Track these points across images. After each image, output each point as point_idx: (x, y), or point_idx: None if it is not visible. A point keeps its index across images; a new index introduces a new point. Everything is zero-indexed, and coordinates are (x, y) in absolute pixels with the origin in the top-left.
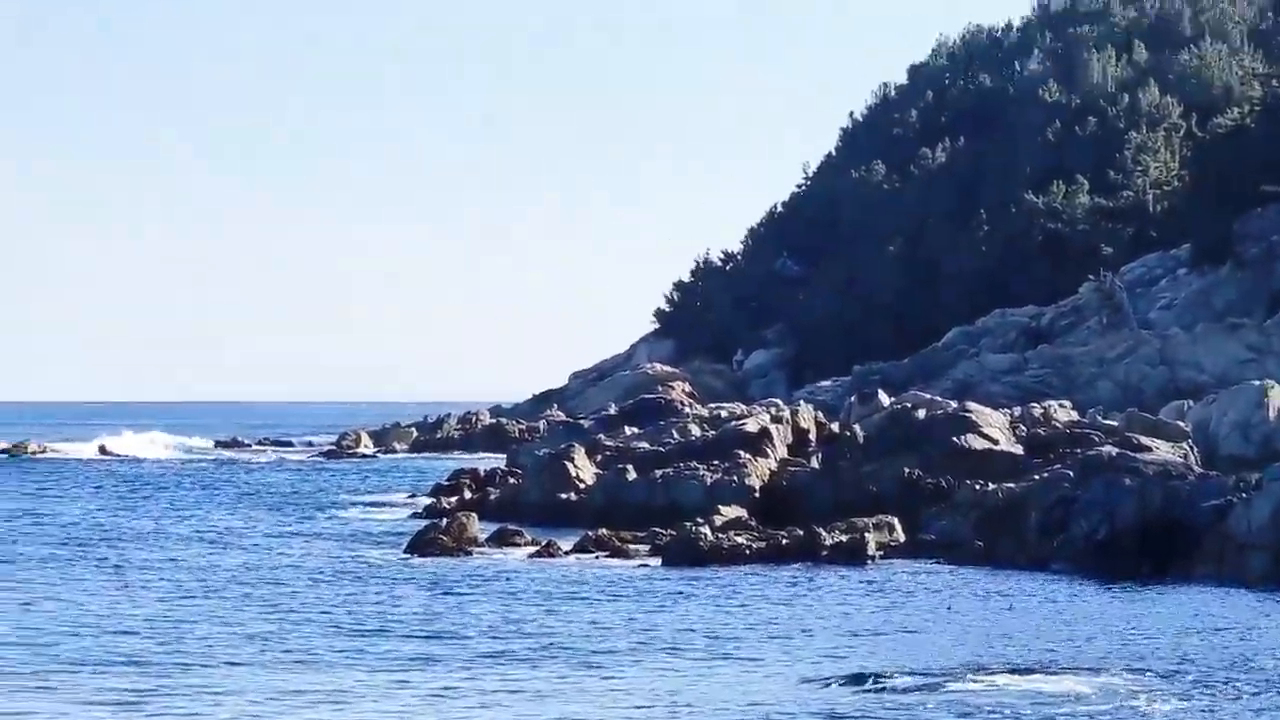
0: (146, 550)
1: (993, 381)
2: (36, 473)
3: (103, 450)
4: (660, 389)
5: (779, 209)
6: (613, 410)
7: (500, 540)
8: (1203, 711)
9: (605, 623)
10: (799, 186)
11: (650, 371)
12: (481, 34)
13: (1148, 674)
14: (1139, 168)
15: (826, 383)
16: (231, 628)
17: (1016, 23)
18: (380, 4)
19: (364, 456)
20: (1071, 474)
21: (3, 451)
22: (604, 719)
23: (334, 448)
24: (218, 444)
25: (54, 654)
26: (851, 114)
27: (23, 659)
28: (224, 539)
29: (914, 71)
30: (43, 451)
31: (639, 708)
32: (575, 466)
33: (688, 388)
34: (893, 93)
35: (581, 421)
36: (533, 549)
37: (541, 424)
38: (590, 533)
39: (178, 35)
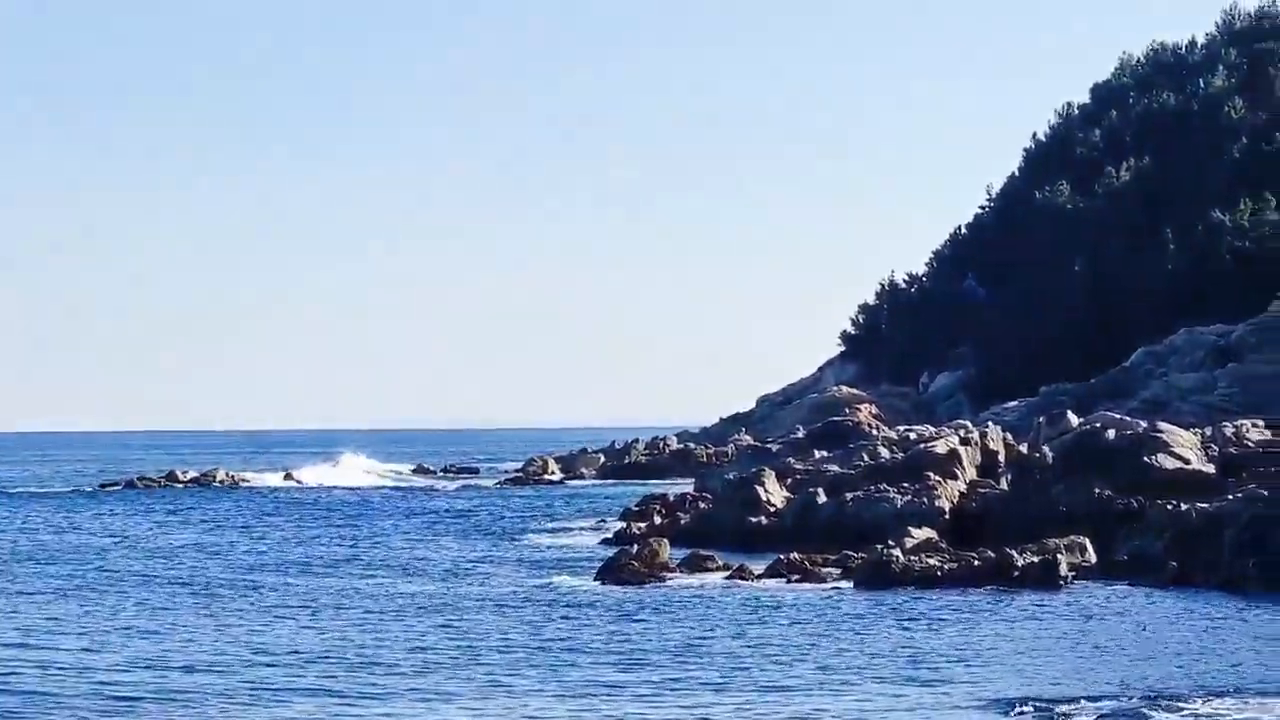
0: (336, 579)
1: (1181, 401)
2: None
3: (288, 477)
4: (847, 411)
5: (963, 231)
6: (800, 433)
7: (692, 565)
8: None
9: (795, 646)
10: (982, 208)
11: (836, 394)
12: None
13: None
14: None
15: (1012, 404)
16: (422, 654)
17: (1200, 39)
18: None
19: (551, 483)
20: (1266, 493)
21: (192, 481)
22: None
23: (521, 474)
24: (415, 470)
25: (242, 678)
26: (1035, 134)
27: (211, 683)
28: (415, 567)
29: (1097, 90)
30: (232, 481)
31: None
32: (765, 490)
33: (874, 410)
34: (1076, 111)
35: (769, 445)
36: (725, 573)
37: (729, 448)
38: (782, 556)
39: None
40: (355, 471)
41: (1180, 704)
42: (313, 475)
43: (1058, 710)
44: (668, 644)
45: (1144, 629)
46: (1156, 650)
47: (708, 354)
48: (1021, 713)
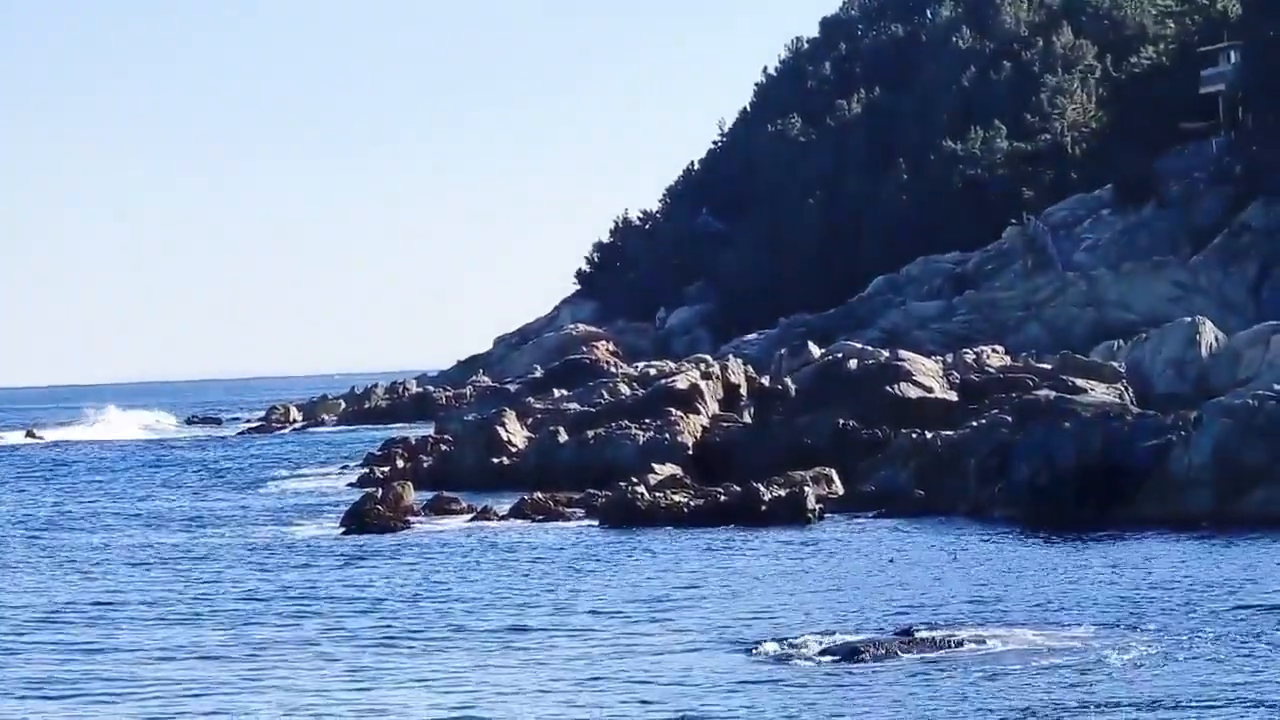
0: (82, 534)
1: (920, 329)
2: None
3: (30, 435)
4: (584, 350)
5: (696, 166)
6: (539, 373)
7: (437, 508)
8: (1163, 658)
9: (534, 588)
10: (715, 143)
11: (574, 333)
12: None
13: (1102, 624)
14: (1056, 111)
15: (752, 336)
16: (157, 607)
17: None
18: None
19: (294, 430)
20: (1009, 419)
21: None
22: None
23: (263, 422)
24: (145, 426)
25: None
26: (765, 69)
27: None
28: (158, 519)
29: (826, 24)
30: None
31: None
32: (507, 431)
33: (612, 347)
34: (805, 46)
35: (508, 386)
36: (469, 516)
37: (468, 390)
38: (526, 496)
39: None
40: (111, 426)
41: (920, 635)
42: (58, 433)
43: (796, 645)
44: (403, 590)
45: (891, 562)
46: (901, 583)
47: (443, 298)
48: (761, 652)
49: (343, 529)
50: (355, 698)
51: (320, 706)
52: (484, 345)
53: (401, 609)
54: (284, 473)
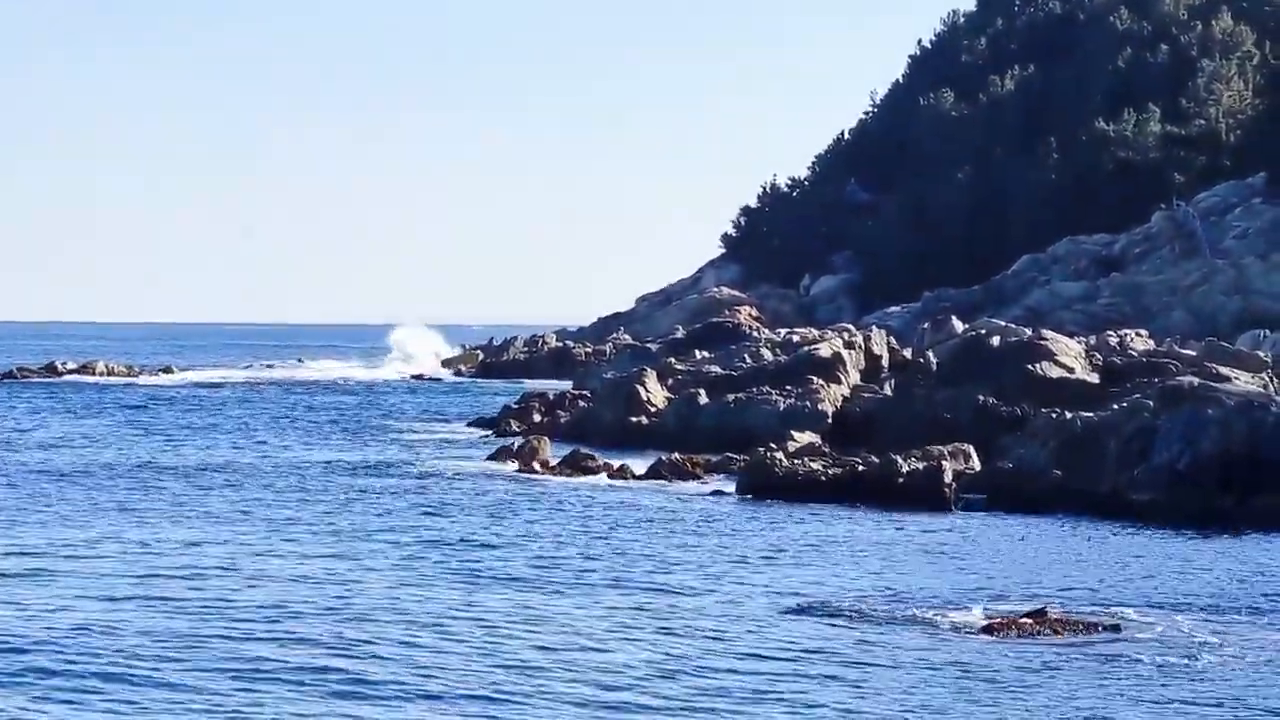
0: (236, 476)
1: (1064, 309)
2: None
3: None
4: (727, 313)
5: (846, 136)
6: (680, 334)
7: (572, 465)
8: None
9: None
10: (867, 114)
11: (717, 295)
12: None
13: (1226, 615)
14: (1211, 96)
15: (895, 309)
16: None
17: None
18: None
19: (432, 379)
20: (1152, 403)
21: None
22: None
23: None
24: (266, 367)
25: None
26: (920, 41)
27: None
28: (294, 464)
29: None
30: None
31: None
32: (647, 390)
33: (754, 312)
34: (961, 20)
35: (649, 345)
36: (606, 474)
37: (608, 347)
38: (663, 457)
39: None
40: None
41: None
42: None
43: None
44: (534, 543)
45: (1022, 539)
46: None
47: (585, 254)
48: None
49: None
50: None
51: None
52: (625, 304)
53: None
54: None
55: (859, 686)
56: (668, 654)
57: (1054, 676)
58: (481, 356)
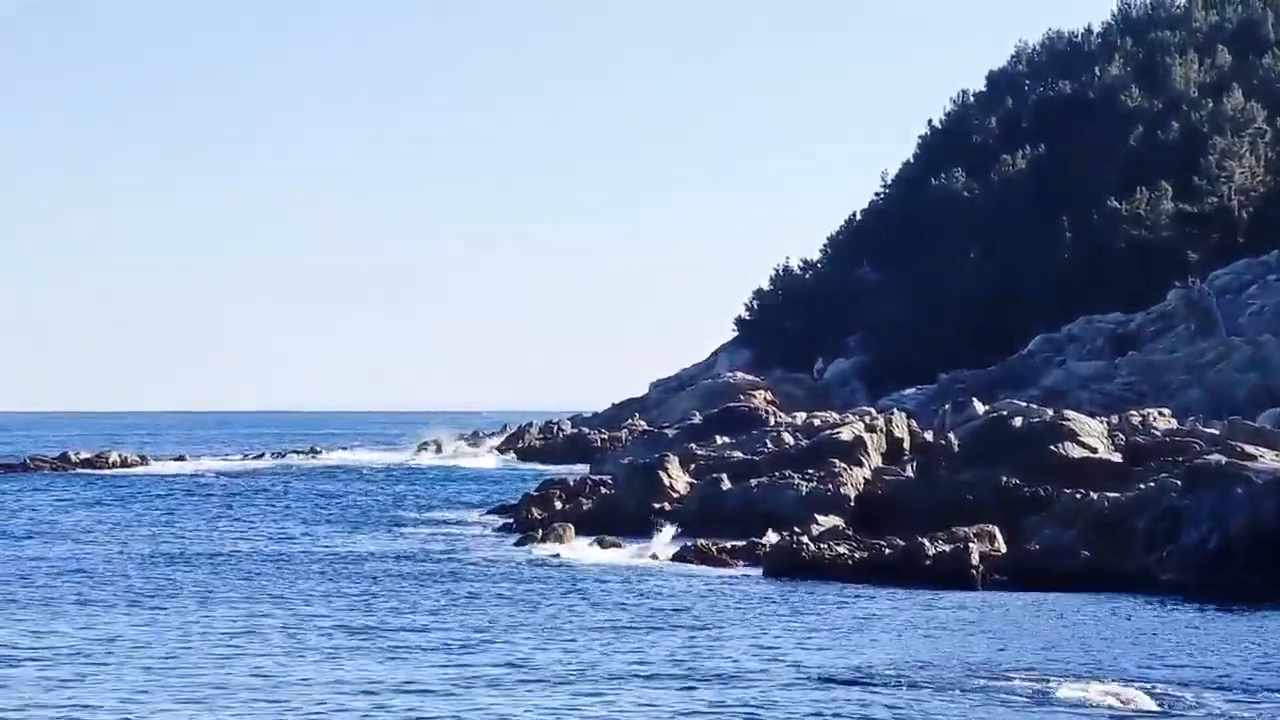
0: (240, 563)
1: (1081, 389)
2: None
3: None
4: (742, 398)
5: (858, 217)
6: (697, 419)
7: (601, 546)
8: None
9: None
10: (878, 194)
11: (731, 380)
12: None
13: (1259, 694)
14: (1223, 173)
15: (910, 390)
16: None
17: (1096, 28)
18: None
19: (444, 465)
20: (1178, 483)
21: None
22: None
23: (415, 455)
24: (276, 455)
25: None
26: (930, 121)
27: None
28: (306, 550)
29: (993, 78)
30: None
31: None
32: (669, 475)
33: (769, 396)
34: (972, 99)
35: (666, 430)
36: (632, 556)
37: (624, 433)
38: (689, 543)
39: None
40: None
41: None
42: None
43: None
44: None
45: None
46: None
47: (599, 338)
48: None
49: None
50: None
51: None
52: (640, 389)
53: None
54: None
55: None
56: None
57: None
58: (497, 443)
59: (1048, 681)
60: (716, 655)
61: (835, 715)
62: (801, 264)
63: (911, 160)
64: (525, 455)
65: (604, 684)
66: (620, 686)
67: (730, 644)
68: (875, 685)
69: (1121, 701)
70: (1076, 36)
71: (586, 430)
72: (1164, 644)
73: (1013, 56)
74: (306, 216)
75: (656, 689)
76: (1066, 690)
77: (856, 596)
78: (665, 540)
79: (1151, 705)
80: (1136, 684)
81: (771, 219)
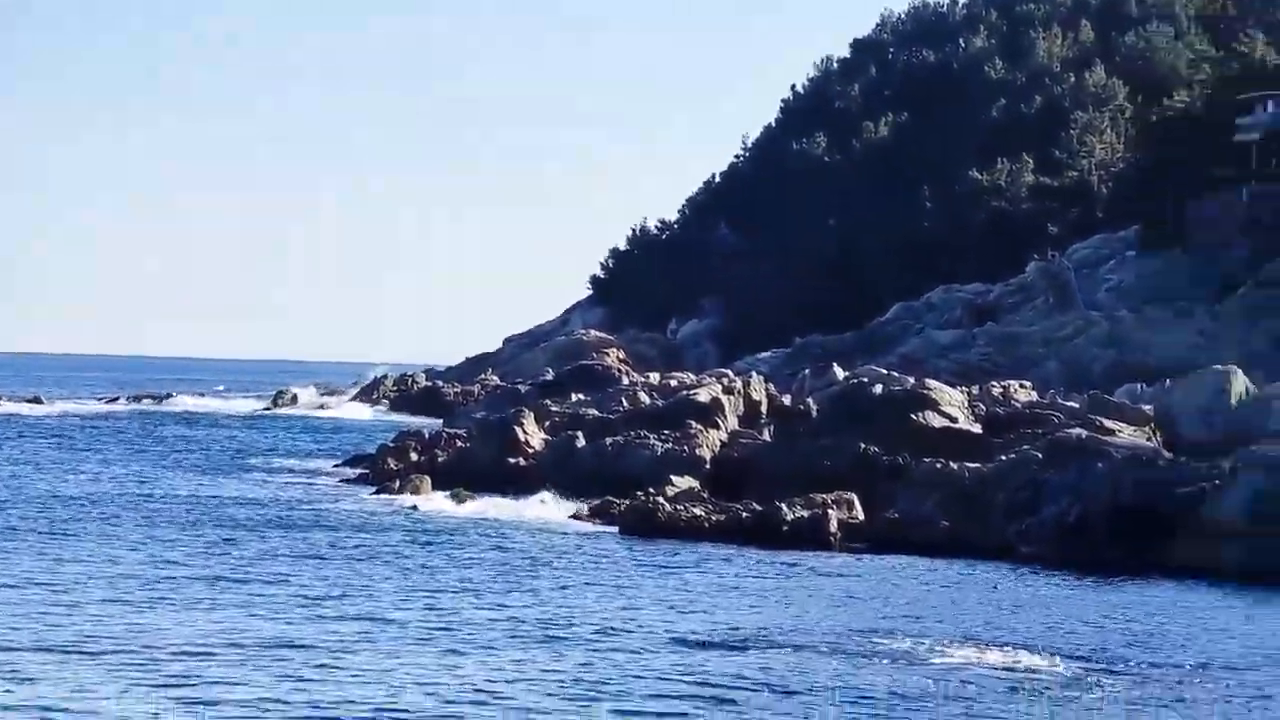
0: (97, 506)
1: (939, 357)
2: None
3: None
4: (595, 355)
5: (717, 179)
6: (550, 375)
7: (456, 501)
8: (1171, 702)
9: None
10: (738, 157)
11: (584, 338)
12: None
13: (1119, 661)
14: (1084, 148)
15: (764, 354)
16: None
17: None
18: None
19: (301, 415)
20: (1039, 456)
21: None
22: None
23: (270, 405)
24: (131, 398)
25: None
26: (793, 86)
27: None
28: (165, 495)
29: (857, 45)
30: None
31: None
32: (525, 431)
33: (622, 355)
34: (835, 66)
35: (518, 386)
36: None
37: (477, 388)
38: (544, 499)
39: None
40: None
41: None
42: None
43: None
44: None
45: (995, 588)
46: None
47: (451, 295)
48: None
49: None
50: None
51: None
52: (493, 344)
53: None
54: (289, 460)
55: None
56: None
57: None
58: (350, 394)
59: (920, 645)
60: (583, 617)
61: (707, 677)
62: (659, 224)
63: (773, 124)
64: (382, 406)
65: (472, 644)
66: (490, 646)
67: (595, 604)
68: (746, 648)
69: (995, 665)
70: (942, 7)
71: (440, 384)
72: (1034, 612)
73: (878, 24)
74: (187, 152)
75: (525, 649)
76: (937, 653)
77: (716, 558)
78: (521, 496)
79: (1025, 669)
80: (1008, 648)
81: (631, 178)
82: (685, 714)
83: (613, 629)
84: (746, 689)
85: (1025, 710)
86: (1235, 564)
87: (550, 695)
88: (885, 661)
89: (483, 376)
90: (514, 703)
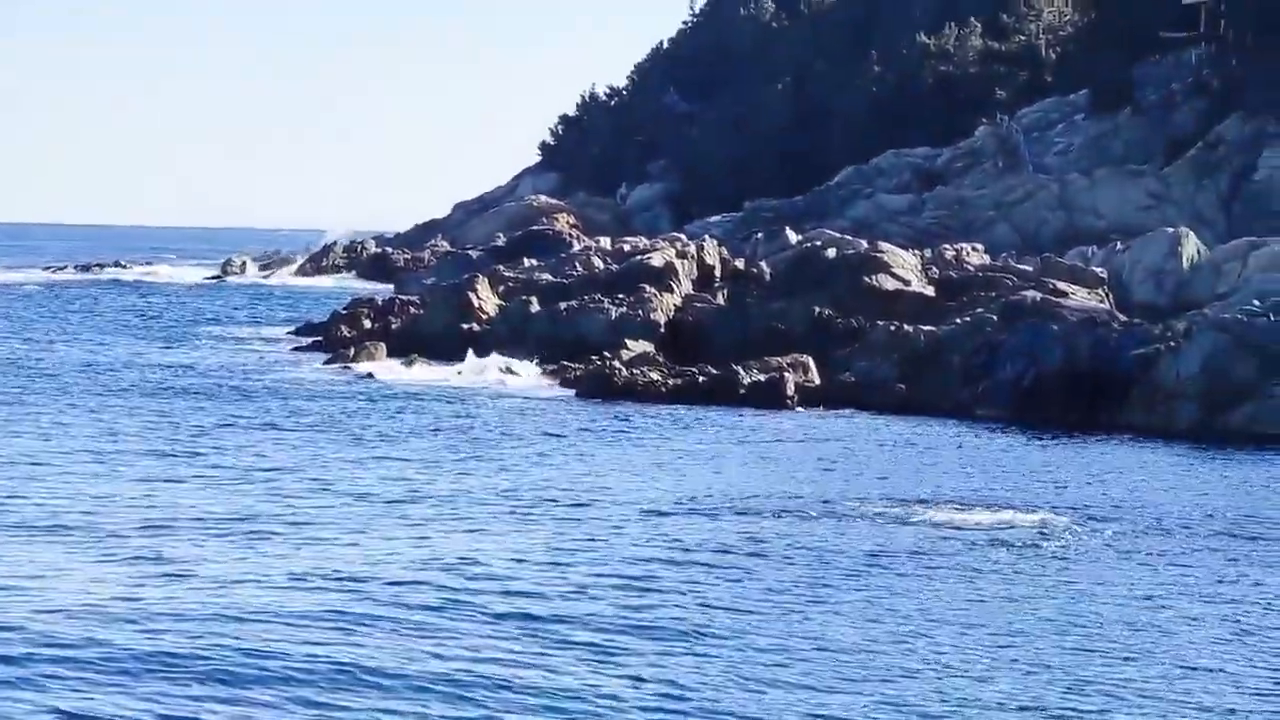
0: (47, 377)
1: (889, 222)
2: None
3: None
4: (545, 221)
5: (665, 44)
6: (501, 241)
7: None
8: (1140, 552)
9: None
10: (686, 23)
11: (534, 203)
12: None
13: (1081, 514)
14: (1031, 11)
15: (715, 218)
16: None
17: None
18: None
19: (251, 283)
20: (994, 318)
21: None
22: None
23: (220, 274)
24: (79, 268)
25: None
26: None
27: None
28: (116, 364)
29: None
30: None
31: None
32: (478, 297)
33: (572, 220)
34: None
35: (469, 252)
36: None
37: (427, 254)
38: (501, 364)
39: None
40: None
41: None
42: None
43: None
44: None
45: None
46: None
47: (399, 161)
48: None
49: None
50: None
51: None
52: (443, 210)
53: None
54: (242, 329)
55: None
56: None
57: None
58: (300, 261)
59: (895, 506)
60: (550, 485)
61: (680, 542)
62: (608, 90)
63: None
64: (332, 273)
65: (440, 514)
66: (458, 516)
67: (560, 471)
68: (717, 513)
69: (975, 523)
70: None
71: (390, 250)
72: (1003, 470)
73: None
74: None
75: (495, 518)
76: (912, 513)
77: (676, 421)
78: (476, 360)
79: (1003, 524)
80: (986, 507)
81: (583, 44)
82: (658, 577)
83: (581, 497)
84: (726, 552)
85: (1010, 561)
86: (1188, 425)
87: (521, 562)
88: (860, 521)
89: (432, 243)
90: (486, 569)
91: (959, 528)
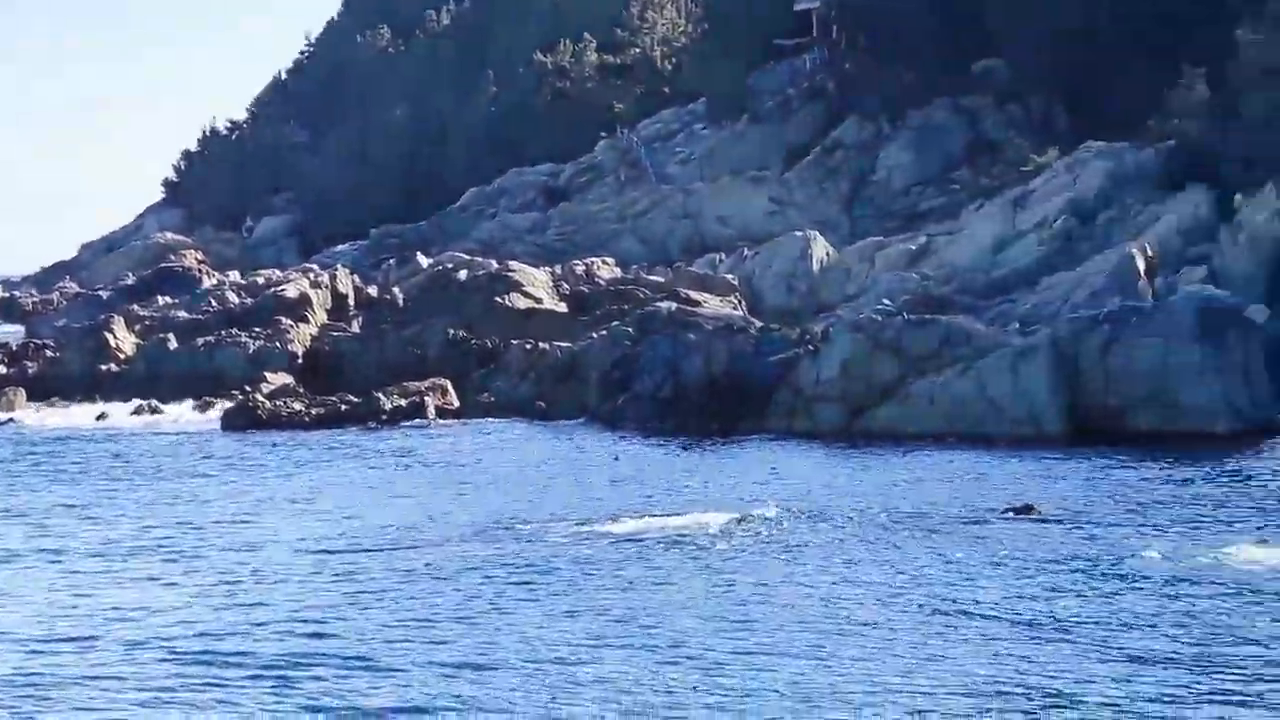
0: None
1: (516, 241)
2: None
3: None
4: (173, 257)
5: (283, 76)
6: (131, 280)
7: (56, 413)
8: (828, 543)
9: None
10: (303, 54)
11: (161, 240)
12: None
13: (773, 514)
14: (645, 24)
15: (342, 247)
16: None
17: None
18: None
19: None
20: (631, 331)
21: None
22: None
23: None
24: None
25: None
26: None
27: None
28: None
29: None
30: None
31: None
32: (115, 337)
33: (200, 255)
34: None
35: (100, 292)
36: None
37: (55, 295)
38: (142, 402)
39: None
40: None
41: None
42: None
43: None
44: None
45: (616, 458)
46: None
47: (25, 201)
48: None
49: None
50: None
51: None
52: (69, 252)
53: None
54: None
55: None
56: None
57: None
58: None
59: (560, 521)
60: (224, 524)
61: (346, 574)
62: (229, 124)
63: (335, 19)
64: None
65: (100, 560)
66: (115, 559)
67: (226, 506)
68: (383, 549)
69: (653, 529)
70: None
71: (17, 294)
72: (658, 477)
73: None
74: None
75: (166, 562)
76: (601, 524)
77: (322, 444)
78: (118, 401)
79: (676, 530)
80: (651, 516)
81: (197, 82)
82: (328, 620)
83: (247, 533)
84: (400, 582)
85: (686, 561)
86: (831, 427)
87: (190, 604)
88: (524, 539)
89: (61, 284)
90: (158, 614)
91: (631, 536)
